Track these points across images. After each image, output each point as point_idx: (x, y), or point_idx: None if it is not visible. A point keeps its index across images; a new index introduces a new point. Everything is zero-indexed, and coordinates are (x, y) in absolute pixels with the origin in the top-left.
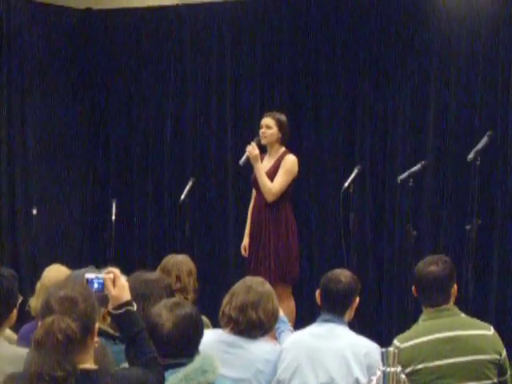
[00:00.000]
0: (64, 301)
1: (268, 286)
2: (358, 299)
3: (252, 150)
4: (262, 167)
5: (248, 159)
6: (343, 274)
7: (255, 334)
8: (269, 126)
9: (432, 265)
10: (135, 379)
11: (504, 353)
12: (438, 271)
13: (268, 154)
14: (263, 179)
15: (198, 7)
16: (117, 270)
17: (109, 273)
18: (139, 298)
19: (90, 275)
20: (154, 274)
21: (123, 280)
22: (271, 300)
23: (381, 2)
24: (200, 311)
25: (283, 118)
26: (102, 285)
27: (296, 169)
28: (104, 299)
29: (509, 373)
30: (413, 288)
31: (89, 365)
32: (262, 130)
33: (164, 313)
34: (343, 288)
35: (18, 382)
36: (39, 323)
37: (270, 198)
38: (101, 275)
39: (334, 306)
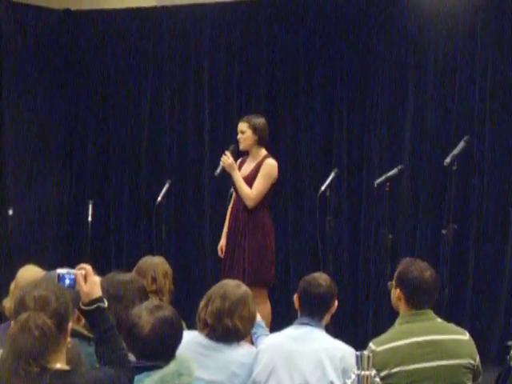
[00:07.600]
0: (38, 299)
1: (244, 289)
2: (336, 303)
3: (226, 159)
4: (243, 170)
5: (223, 169)
6: (322, 278)
7: (231, 341)
8: (242, 131)
9: (426, 271)
10: (107, 379)
11: (478, 358)
12: (432, 278)
13: (249, 157)
14: (241, 186)
15: (176, 9)
16: (88, 266)
17: (80, 269)
18: (112, 299)
19: (61, 270)
20: (128, 275)
21: (95, 276)
22: (247, 305)
23: (358, 7)
24: None
25: (258, 119)
26: (74, 281)
27: (275, 173)
28: (78, 300)
29: (480, 378)
30: (397, 291)
31: (61, 365)
32: (238, 136)
33: (144, 314)
34: (323, 292)
35: None
36: (13, 322)
37: (249, 203)
38: (72, 271)
39: (313, 310)
